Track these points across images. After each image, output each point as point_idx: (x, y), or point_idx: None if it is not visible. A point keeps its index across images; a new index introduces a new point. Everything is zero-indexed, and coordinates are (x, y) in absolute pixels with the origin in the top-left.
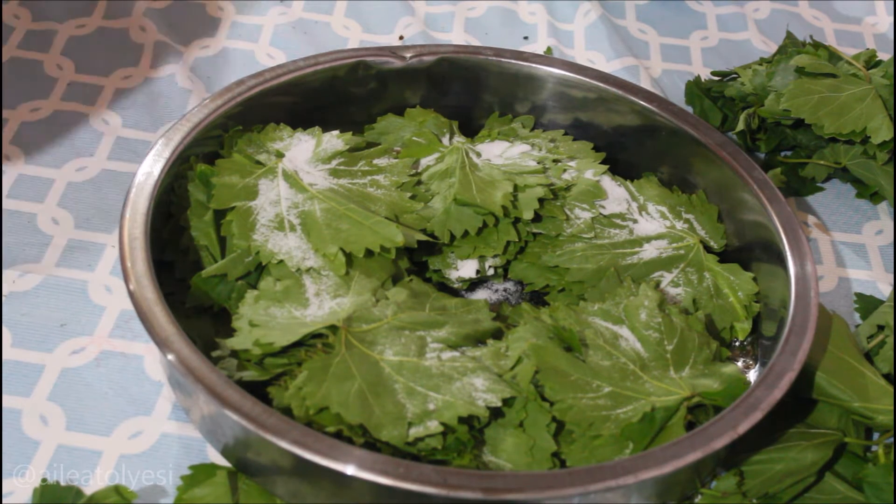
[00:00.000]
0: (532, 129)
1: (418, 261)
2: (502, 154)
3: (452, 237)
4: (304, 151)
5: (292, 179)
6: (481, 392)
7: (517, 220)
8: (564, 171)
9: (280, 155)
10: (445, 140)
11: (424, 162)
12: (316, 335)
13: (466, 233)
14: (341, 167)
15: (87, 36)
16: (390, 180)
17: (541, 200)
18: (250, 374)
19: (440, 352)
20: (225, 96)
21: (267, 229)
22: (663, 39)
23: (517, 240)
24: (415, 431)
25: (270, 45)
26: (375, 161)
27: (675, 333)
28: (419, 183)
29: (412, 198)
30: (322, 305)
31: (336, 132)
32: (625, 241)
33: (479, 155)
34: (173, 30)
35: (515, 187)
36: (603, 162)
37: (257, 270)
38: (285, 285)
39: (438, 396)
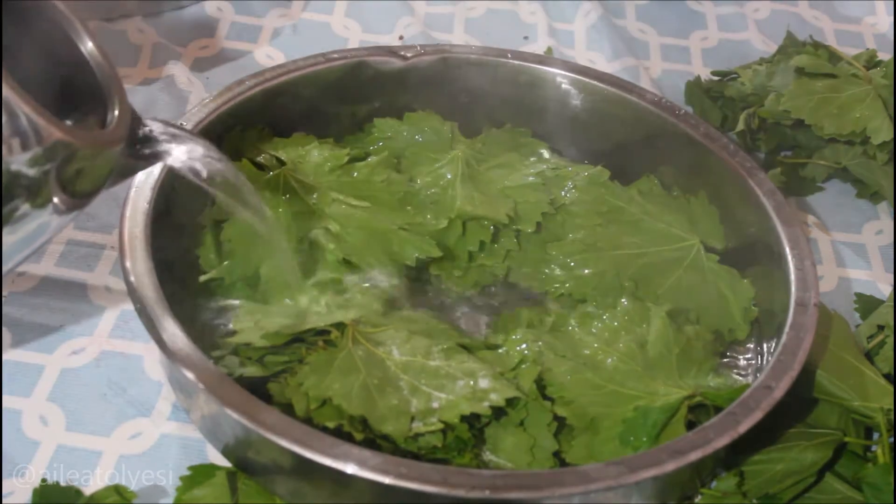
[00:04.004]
0: (531, 135)
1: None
2: (502, 165)
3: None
4: (306, 159)
5: (294, 189)
6: (486, 391)
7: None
8: (565, 180)
9: (281, 162)
10: (445, 142)
11: (423, 170)
12: (320, 332)
13: (482, 244)
14: (343, 177)
15: None
16: (390, 190)
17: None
18: (251, 371)
19: (447, 352)
20: (224, 96)
21: None
22: (663, 39)
23: (518, 248)
24: (416, 426)
25: (270, 45)
26: (376, 169)
27: (681, 342)
28: (419, 193)
29: (413, 209)
30: (328, 311)
31: (333, 142)
32: (625, 243)
33: (479, 162)
34: (172, 31)
35: (516, 203)
36: (603, 164)
37: (257, 273)
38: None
39: (442, 395)
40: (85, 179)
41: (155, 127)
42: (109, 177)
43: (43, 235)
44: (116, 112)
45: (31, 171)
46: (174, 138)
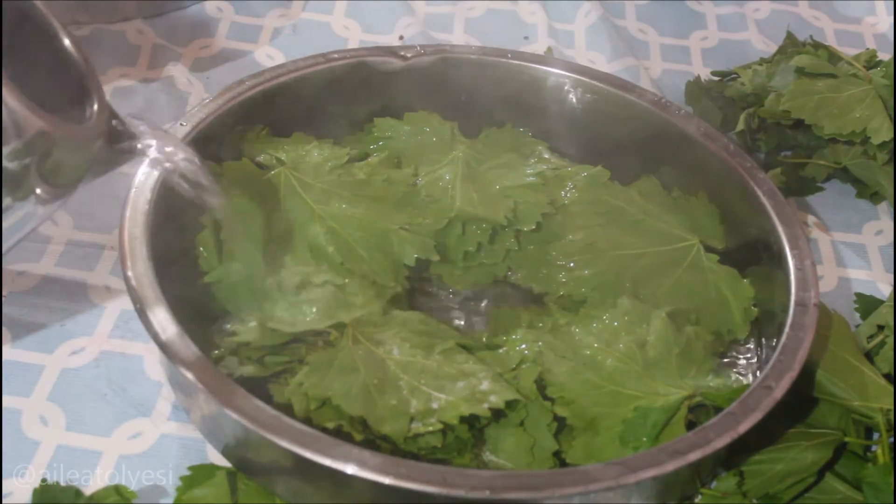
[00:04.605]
0: (531, 135)
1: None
2: (502, 165)
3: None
4: (306, 158)
5: (294, 189)
6: (485, 393)
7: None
8: (565, 180)
9: (281, 162)
10: (445, 142)
11: (423, 170)
12: (319, 332)
13: (480, 245)
14: (343, 177)
15: (83, 38)
16: (389, 191)
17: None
18: (251, 371)
19: (447, 353)
20: (224, 96)
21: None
22: (663, 39)
23: (518, 248)
24: (415, 427)
25: (270, 45)
26: (376, 169)
27: (681, 343)
28: (419, 193)
29: (412, 209)
30: (328, 312)
31: (333, 144)
32: (625, 244)
33: (479, 163)
34: (172, 31)
35: (516, 203)
36: (603, 164)
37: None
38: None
39: (442, 396)
40: (65, 172)
41: (131, 124)
42: (89, 170)
43: (27, 225)
44: (95, 107)
45: (13, 164)
46: (148, 136)
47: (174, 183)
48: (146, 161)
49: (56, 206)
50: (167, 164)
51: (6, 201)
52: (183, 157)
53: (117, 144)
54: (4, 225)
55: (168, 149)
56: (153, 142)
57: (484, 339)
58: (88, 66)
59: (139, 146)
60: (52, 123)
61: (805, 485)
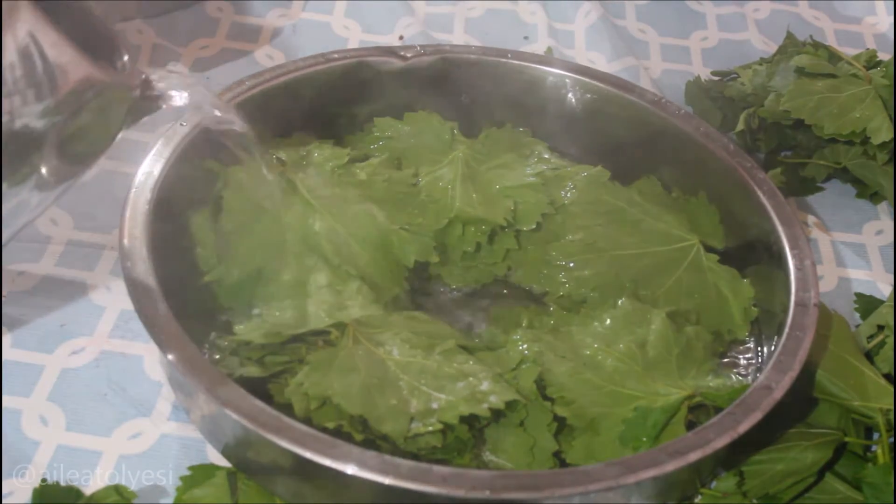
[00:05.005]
0: (531, 135)
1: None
2: (502, 165)
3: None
4: (306, 158)
5: (295, 189)
6: (485, 393)
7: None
8: (565, 180)
9: (282, 162)
10: (445, 142)
11: (423, 170)
12: (319, 332)
13: (479, 245)
14: (344, 178)
15: None
16: (390, 192)
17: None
18: (251, 372)
19: (447, 353)
20: (224, 96)
21: None
22: (663, 39)
23: (517, 248)
24: (415, 427)
25: (270, 45)
26: (377, 169)
27: (681, 343)
28: (419, 193)
29: (412, 209)
30: (328, 312)
31: (333, 144)
32: (625, 244)
33: (479, 163)
34: (172, 31)
35: (516, 203)
36: (603, 164)
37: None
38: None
39: (442, 396)
40: (92, 133)
41: (160, 72)
42: (122, 126)
43: (24, 213)
44: (126, 59)
45: (40, 122)
46: (178, 82)
47: (212, 128)
48: (175, 106)
49: (64, 188)
50: (203, 109)
51: (21, 173)
52: (211, 101)
53: (150, 92)
54: (13, 203)
55: (199, 97)
56: (180, 89)
57: (484, 339)
58: (111, 27)
59: (168, 93)
60: (100, 68)
61: (805, 485)
